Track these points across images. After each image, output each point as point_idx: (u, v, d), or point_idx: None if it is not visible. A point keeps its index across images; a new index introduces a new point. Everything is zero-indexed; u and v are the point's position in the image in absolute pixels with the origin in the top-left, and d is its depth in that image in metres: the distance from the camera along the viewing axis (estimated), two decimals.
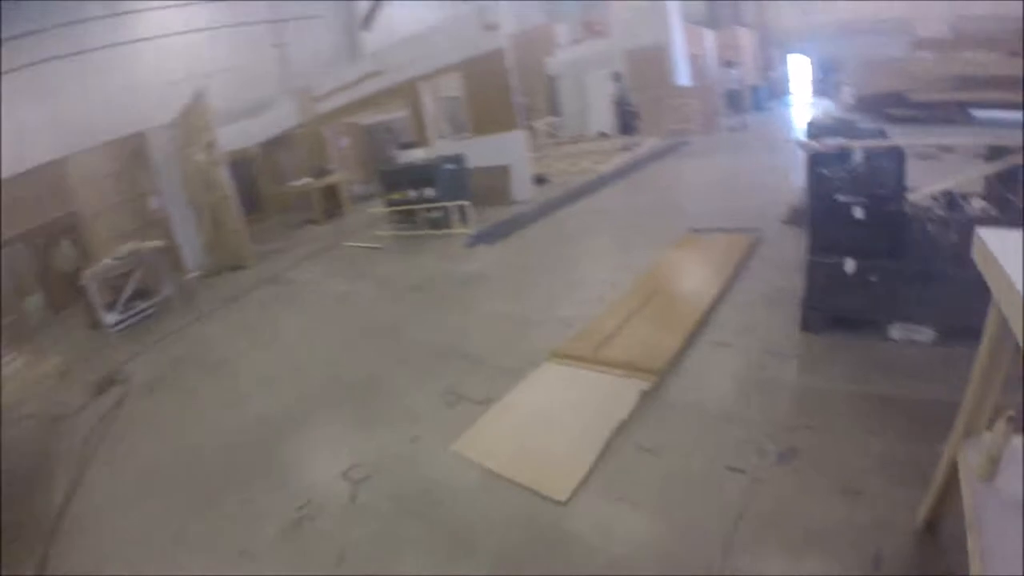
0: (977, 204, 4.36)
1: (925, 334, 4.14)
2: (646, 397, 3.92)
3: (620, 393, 3.96)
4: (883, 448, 3.21)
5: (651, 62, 16.59)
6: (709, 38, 19.82)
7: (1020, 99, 10.86)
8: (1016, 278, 1.65)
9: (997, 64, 11.49)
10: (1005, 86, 11.18)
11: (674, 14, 17.01)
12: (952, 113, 10.79)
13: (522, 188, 11.00)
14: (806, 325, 4.40)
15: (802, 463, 3.17)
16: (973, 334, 3.84)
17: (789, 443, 3.31)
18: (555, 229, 8.82)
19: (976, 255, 2.04)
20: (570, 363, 4.47)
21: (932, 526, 2.62)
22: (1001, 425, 2.03)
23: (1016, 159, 4.53)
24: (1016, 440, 2.15)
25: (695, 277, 5.77)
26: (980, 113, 10.90)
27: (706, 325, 4.77)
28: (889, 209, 4.03)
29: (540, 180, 11.97)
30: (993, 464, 2.08)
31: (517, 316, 5.66)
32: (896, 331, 4.19)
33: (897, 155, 4.02)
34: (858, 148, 4.04)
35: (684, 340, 4.48)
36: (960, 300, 4.00)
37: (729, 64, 19.54)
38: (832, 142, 4.12)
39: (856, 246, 4.13)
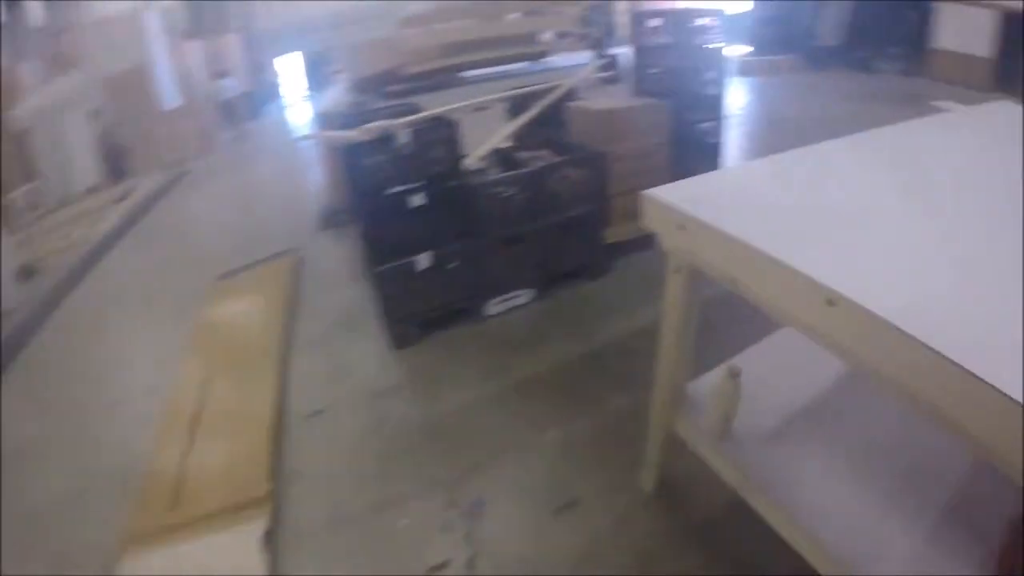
0: (527, 155, 4.21)
1: (524, 296, 3.99)
2: (271, 540, 2.70)
3: (239, 555, 2.64)
4: (556, 437, 2.92)
5: (133, 88, 14.60)
6: (196, 49, 18.35)
7: (497, 56, 12.18)
8: (721, 222, 1.54)
9: (477, 29, 12.60)
10: (485, 47, 12.31)
11: (153, 28, 15.15)
12: (444, 79, 11.55)
13: (3, 293, 8.24)
14: (398, 342, 3.77)
15: (498, 509, 2.63)
16: (565, 276, 4.18)
17: (468, 496, 2.71)
18: (63, 334, 6.57)
19: (649, 219, 1.84)
20: (154, 543, 2.87)
21: (665, 486, 2.50)
22: (728, 381, 1.92)
23: (550, 100, 4.41)
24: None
25: (247, 335, 4.47)
26: (468, 74, 11.91)
27: (287, 391, 3.69)
28: (451, 186, 3.57)
29: (28, 272, 9.26)
30: (728, 422, 2.00)
31: (53, 494, 3.67)
32: (494, 306, 3.93)
33: (447, 125, 3.54)
34: (403, 128, 3.43)
35: (273, 432, 3.28)
36: (545, 251, 3.97)
37: (220, 75, 18.37)
38: (372, 127, 3.42)
39: (424, 236, 3.62)
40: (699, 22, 4.63)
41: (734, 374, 1.90)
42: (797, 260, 1.35)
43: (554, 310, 3.98)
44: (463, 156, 3.77)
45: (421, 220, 3.54)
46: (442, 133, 3.53)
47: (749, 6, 13.60)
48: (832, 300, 1.24)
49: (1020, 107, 4.32)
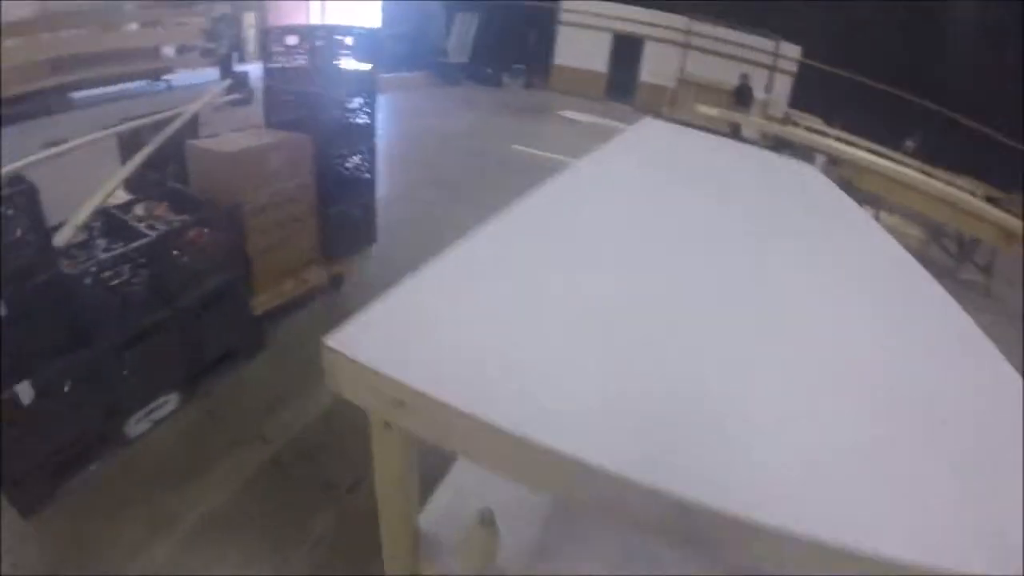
0: (143, 213, 3.28)
1: (170, 401, 3.03)
2: None
3: None
4: None
5: None
6: None
7: (117, 72, 10.68)
8: (468, 400, 1.08)
9: (89, 40, 10.74)
10: (100, 62, 10.54)
11: None
12: (51, 102, 9.57)
13: None
14: (26, 506, 2.50)
15: None
16: (215, 363, 3.29)
17: None
18: None
19: (347, 388, 1.24)
20: None
21: None
22: (484, 529, 1.57)
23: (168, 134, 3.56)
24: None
25: None
26: (80, 95, 9.99)
27: None
28: (40, 282, 2.44)
29: None
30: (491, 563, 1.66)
31: None
32: (136, 425, 2.91)
33: (24, 193, 2.41)
34: None
35: None
36: (183, 340, 3.05)
37: None
38: None
39: (19, 359, 2.39)
40: (340, 41, 3.94)
41: (488, 521, 1.57)
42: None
43: (211, 411, 3.11)
44: (53, 230, 2.72)
45: (8, 337, 2.34)
46: (17, 206, 2.40)
47: (376, 23, 13.39)
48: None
49: (665, 124, 4.51)
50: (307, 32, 3.96)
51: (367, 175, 4.33)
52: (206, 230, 3.08)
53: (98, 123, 4.88)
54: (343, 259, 4.23)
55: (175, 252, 2.92)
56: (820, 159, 9.34)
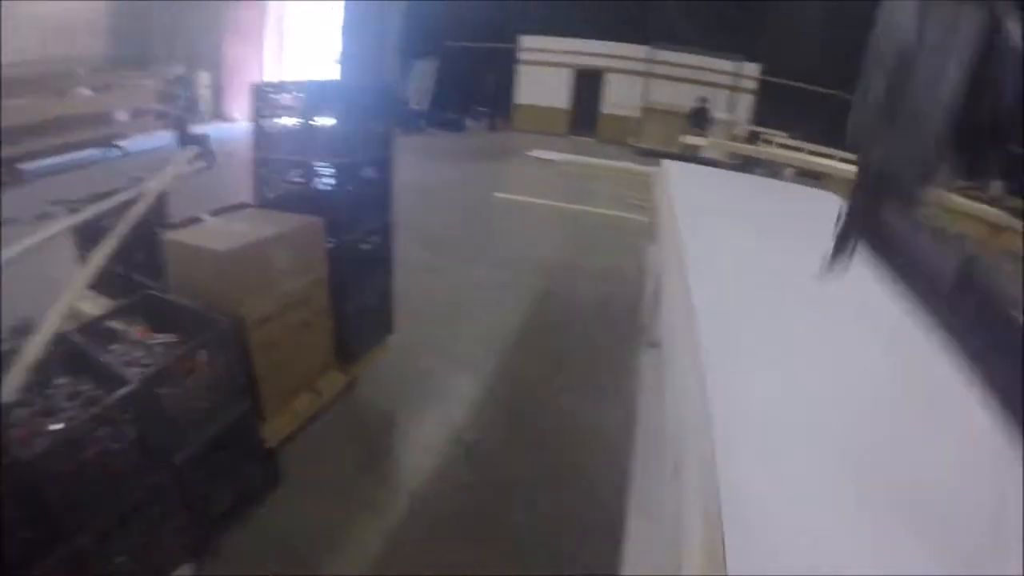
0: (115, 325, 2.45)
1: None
2: None
3: None
4: None
5: None
6: None
7: (69, 141, 9.78)
8: None
9: (43, 108, 9.83)
10: (51, 131, 9.63)
11: None
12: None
13: None
14: None
15: None
16: (224, 516, 2.43)
17: None
18: None
19: None
20: None
21: None
22: None
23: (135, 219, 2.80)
24: None
25: None
26: (30, 167, 9.08)
27: None
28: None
29: None
30: None
31: None
32: None
33: None
34: None
35: None
36: (186, 500, 2.22)
37: None
38: None
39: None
40: (345, 98, 3.13)
41: None
42: None
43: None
44: None
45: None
46: None
47: (335, 77, 12.72)
48: None
49: (690, 166, 4.17)
50: (307, 89, 3.18)
51: (384, 257, 3.51)
52: (203, 352, 2.29)
53: (50, 197, 4.21)
54: (361, 358, 3.41)
55: (166, 392, 2.11)
56: (788, 171, 9.29)
